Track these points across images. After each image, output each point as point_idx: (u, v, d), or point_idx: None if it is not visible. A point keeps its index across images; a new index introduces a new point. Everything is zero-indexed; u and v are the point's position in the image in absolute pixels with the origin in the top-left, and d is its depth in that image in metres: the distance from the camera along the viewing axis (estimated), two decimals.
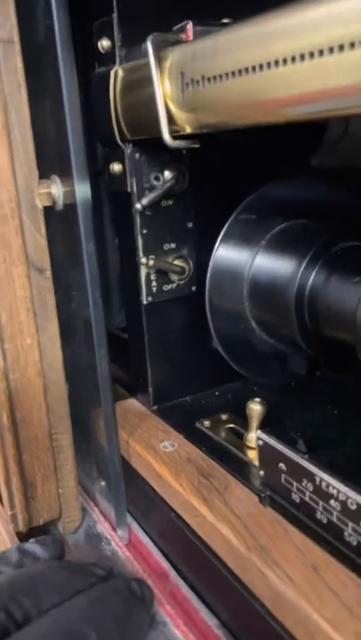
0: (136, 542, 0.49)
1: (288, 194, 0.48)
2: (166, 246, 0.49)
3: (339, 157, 0.50)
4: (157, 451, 0.46)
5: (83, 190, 0.41)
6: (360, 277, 0.37)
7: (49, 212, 0.43)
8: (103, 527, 0.51)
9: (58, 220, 0.45)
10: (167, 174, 0.47)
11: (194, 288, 0.52)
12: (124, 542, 0.49)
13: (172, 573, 0.44)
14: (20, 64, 0.38)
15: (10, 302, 0.42)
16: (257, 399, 0.44)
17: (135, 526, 0.50)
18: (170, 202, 0.48)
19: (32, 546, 0.36)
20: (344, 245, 0.41)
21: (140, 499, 0.49)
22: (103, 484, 0.52)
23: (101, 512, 0.53)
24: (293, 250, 0.44)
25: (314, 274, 0.41)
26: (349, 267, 0.39)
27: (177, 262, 0.50)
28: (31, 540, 0.36)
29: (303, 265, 0.42)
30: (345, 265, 0.40)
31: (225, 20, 0.40)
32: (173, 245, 0.50)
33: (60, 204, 0.43)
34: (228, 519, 0.37)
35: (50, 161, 0.43)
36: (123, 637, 0.31)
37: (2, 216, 0.39)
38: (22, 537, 0.46)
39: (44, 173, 0.42)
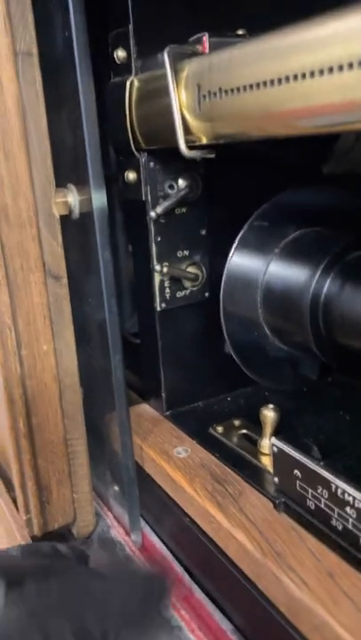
0: (149, 547, 0.49)
1: (302, 202, 0.48)
2: (180, 253, 0.50)
3: (350, 165, 0.51)
4: (171, 456, 0.47)
5: (99, 199, 0.42)
6: None
7: (65, 220, 0.44)
8: (117, 532, 0.51)
9: (74, 228, 0.45)
10: (181, 183, 0.47)
11: (207, 294, 0.52)
12: (137, 547, 0.49)
13: (186, 578, 0.45)
14: (38, 76, 0.38)
15: (27, 309, 0.42)
16: (270, 405, 0.44)
17: (148, 531, 0.50)
18: (183, 209, 0.49)
19: (63, 547, 0.36)
20: (358, 254, 0.42)
21: (153, 504, 0.49)
22: (117, 488, 0.53)
23: (115, 517, 0.53)
24: (307, 258, 0.44)
25: (328, 282, 0.41)
26: None
27: (190, 269, 0.51)
28: (62, 543, 0.37)
29: (318, 273, 0.42)
30: (359, 274, 0.40)
31: (240, 32, 0.41)
32: (187, 252, 0.50)
33: (76, 213, 0.43)
34: (243, 525, 0.38)
35: (66, 170, 0.44)
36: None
37: (20, 224, 0.40)
38: (37, 541, 0.47)
39: (60, 182, 0.43)
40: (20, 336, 0.43)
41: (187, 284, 0.51)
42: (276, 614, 0.34)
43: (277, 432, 0.44)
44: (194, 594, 0.43)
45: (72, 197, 0.43)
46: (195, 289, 0.51)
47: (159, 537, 0.50)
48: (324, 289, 0.42)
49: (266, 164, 0.49)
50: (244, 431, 0.49)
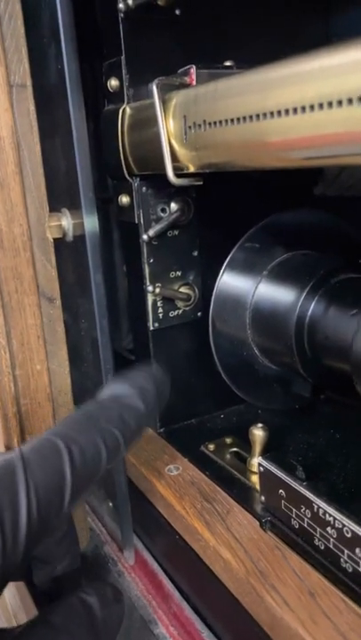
0: (142, 563, 0.50)
1: (291, 225, 0.49)
2: (172, 274, 0.51)
3: (340, 188, 0.52)
4: (162, 474, 0.47)
5: (91, 223, 0.43)
6: (356, 310, 0.39)
7: (59, 242, 0.45)
8: (110, 548, 0.52)
9: (68, 251, 0.46)
10: (173, 206, 0.48)
11: (199, 314, 0.53)
12: (130, 563, 0.50)
13: (176, 595, 0.45)
14: (32, 107, 0.40)
15: (21, 330, 0.44)
16: (259, 424, 0.45)
17: (141, 547, 0.51)
18: (176, 232, 0.50)
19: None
20: (343, 277, 0.43)
21: (146, 521, 0.50)
22: (111, 505, 0.53)
23: (109, 533, 0.54)
24: (294, 280, 0.45)
25: (313, 304, 0.42)
26: (347, 299, 0.41)
27: (183, 289, 0.52)
28: None
29: (303, 295, 0.43)
30: (343, 297, 0.41)
31: (227, 63, 0.42)
32: (179, 273, 0.51)
33: (70, 236, 0.45)
34: (229, 544, 0.38)
35: (60, 195, 0.45)
36: None
37: (14, 249, 0.41)
38: None
39: (54, 207, 0.44)
40: (14, 356, 0.44)
41: (179, 303, 0.52)
42: (260, 632, 0.35)
43: (267, 450, 0.45)
44: (183, 611, 0.44)
45: (66, 221, 0.45)
46: (187, 309, 0.52)
47: (151, 553, 0.50)
48: (310, 311, 0.43)
49: (256, 187, 0.50)
50: (235, 449, 0.50)
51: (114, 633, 0.30)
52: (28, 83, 0.39)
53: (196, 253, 0.52)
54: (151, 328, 0.51)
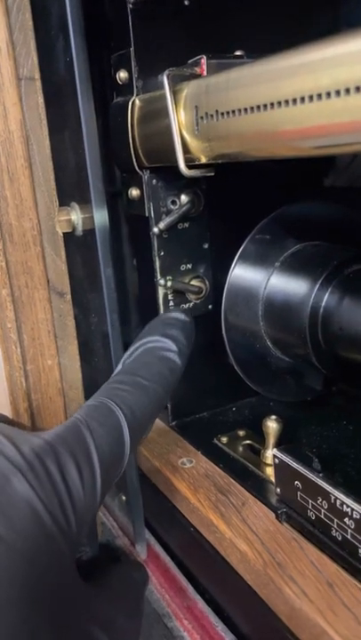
0: (154, 557, 0.50)
1: (302, 216, 0.49)
2: (183, 267, 0.51)
3: (350, 178, 0.52)
4: (176, 467, 0.47)
5: (101, 217, 0.43)
6: None
7: (69, 237, 0.45)
8: (122, 542, 0.52)
9: (78, 245, 0.46)
10: (183, 198, 0.48)
11: (210, 307, 0.53)
12: (142, 557, 0.50)
13: (190, 588, 0.45)
14: (40, 100, 0.40)
15: (32, 325, 0.44)
16: (273, 416, 0.45)
17: (153, 541, 0.51)
18: (186, 224, 0.50)
19: None
20: (356, 268, 0.42)
21: (158, 514, 0.50)
22: (124, 498, 0.53)
23: (120, 527, 0.54)
24: (307, 271, 0.45)
25: (327, 295, 0.42)
26: None
27: (194, 282, 0.51)
28: None
29: (317, 286, 0.43)
30: (357, 287, 0.41)
31: (238, 53, 0.42)
32: (190, 266, 0.51)
33: (79, 230, 0.45)
34: (245, 536, 0.38)
35: (69, 189, 0.45)
36: None
37: (24, 244, 0.41)
38: None
39: (64, 201, 0.44)
40: (25, 351, 0.44)
41: (190, 296, 0.52)
42: (278, 624, 0.35)
43: (281, 442, 0.45)
44: (197, 604, 0.44)
45: (75, 215, 0.44)
46: (198, 302, 0.52)
47: (164, 547, 0.50)
48: (323, 302, 0.42)
49: (267, 177, 0.50)
50: (249, 442, 0.49)
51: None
52: (37, 76, 0.39)
53: (206, 246, 0.51)
54: None
